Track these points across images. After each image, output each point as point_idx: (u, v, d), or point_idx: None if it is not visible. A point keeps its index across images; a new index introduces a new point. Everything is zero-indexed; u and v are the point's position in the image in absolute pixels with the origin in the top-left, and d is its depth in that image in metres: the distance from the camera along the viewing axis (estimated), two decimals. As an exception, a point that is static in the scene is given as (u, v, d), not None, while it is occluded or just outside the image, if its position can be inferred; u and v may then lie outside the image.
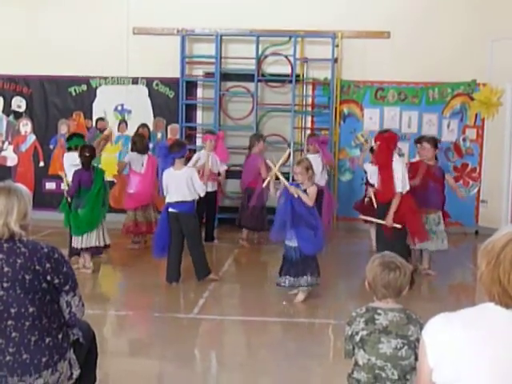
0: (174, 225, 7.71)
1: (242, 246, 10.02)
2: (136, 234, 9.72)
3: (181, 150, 7.74)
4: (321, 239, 7.16)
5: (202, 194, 7.85)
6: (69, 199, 8.24)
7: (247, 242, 10.09)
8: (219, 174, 10.10)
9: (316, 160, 9.36)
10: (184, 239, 7.79)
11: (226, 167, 10.14)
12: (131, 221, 9.58)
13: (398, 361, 3.27)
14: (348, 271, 8.03)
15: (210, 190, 9.32)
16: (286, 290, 7.28)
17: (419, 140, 8.89)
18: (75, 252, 8.24)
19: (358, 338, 3.33)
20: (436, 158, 8.60)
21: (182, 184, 7.61)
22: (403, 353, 3.27)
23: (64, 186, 8.37)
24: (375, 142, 8.11)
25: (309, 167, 7.05)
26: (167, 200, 7.77)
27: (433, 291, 8.10)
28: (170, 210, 7.72)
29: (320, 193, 7.85)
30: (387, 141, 7.70)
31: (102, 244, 8.24)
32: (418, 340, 3.22)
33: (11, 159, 12.01)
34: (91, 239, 8.11)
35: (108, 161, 11.12)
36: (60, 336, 3.42)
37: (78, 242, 8.09)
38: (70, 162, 8.61)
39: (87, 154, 8.11)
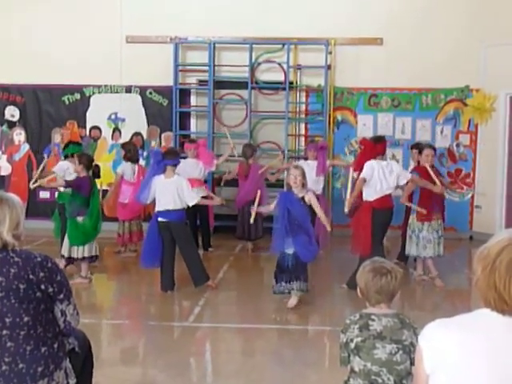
0: (165, 234, 7.65)
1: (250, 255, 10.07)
2: (132, 242, 9.74)
3: (174, 159, 7.74)
4: (315, 244, 7.19)
5: (191, 204, 7.75)
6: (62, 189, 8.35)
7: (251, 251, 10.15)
8: (205, 181, 10.14)
9: (314, 167, 9.40)
10: (175, 247, 7.76)
11: (213, 167, 10.08)
12: (127, 230, 9.60)
13: (393, 366, 3.27)
14: (342, 278, 8.00)
15: None
16: (282, 298, 7.27)
17: (415, 146, 8.97)
18: (71, 261, 8.16)
19: (352, 345, 3.33)
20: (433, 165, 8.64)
21: (172, 192, 7.57)
22: (398, 358, 3.28)
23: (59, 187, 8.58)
24: (360, 145, 8.29)
25: (304, 173, 7.07)
26: (157, 208, 7.72)
27: (427, 297, 8.11)
28: (160, 219, 7.65)
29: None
30: (366, 147, 7.89)
31: (98, 252, 8.20)
32: (412, 344, 3.25)
33: (5, 169, 11.99)
34: (92, 248, 8.04)
35: (103, 170, 11.07)
36: (56, 345, 3.40)
37: (78, 251, 7.93)
38: (64, 169, 8.61)
39: (95, 164, 8.25)
